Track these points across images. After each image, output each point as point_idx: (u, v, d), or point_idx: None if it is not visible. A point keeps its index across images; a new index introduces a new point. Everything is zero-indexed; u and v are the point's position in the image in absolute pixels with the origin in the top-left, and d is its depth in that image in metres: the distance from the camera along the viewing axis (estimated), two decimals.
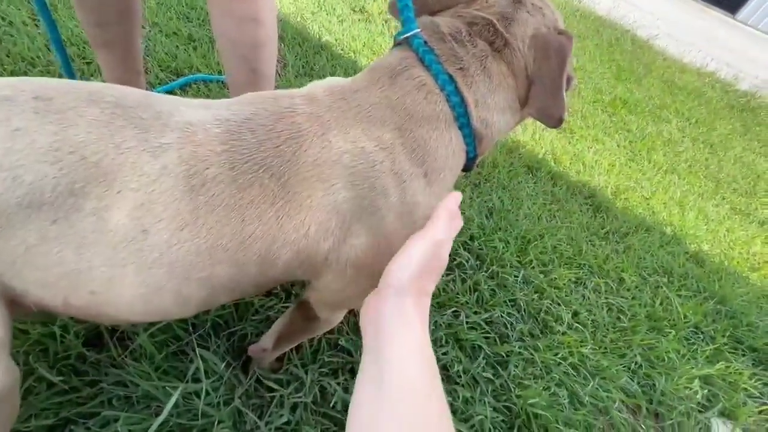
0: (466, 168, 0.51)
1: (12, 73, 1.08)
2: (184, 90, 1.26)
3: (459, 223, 0.46)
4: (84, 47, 1.22)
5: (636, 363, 1.01)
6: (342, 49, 1.84)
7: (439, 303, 0.93)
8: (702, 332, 1.18)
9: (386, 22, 2.25)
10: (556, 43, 0.47)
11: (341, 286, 0.47)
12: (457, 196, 0.45)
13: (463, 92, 0.45)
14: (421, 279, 0.39)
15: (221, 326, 0.73)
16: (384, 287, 0.39)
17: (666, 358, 1.04)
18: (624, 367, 0.99)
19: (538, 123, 1.94)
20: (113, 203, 0.34)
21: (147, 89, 1.06)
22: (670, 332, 1.11)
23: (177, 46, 1.41)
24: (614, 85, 2.78)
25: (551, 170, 1.63)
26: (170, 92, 1.23)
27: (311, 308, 0.56)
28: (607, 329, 1.07)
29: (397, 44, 0.49)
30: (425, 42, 0.46)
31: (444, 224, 0.42)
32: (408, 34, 0.47)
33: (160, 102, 0.39)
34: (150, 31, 1.44)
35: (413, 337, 0.36)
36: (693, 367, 1.05)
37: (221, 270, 0.39)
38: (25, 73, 1.09)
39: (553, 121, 0.48)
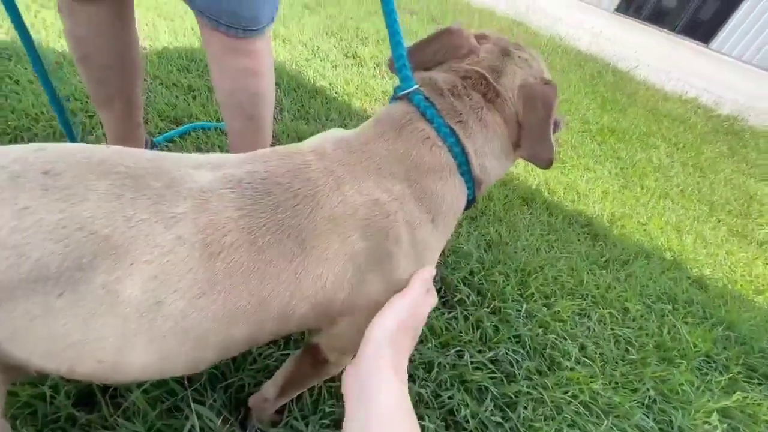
0: (466, 208, 0.54)
1: (16, 129, 1.11)
2: (183, 138, 1.29)
3: (433, 299, 0.49)
4: (87, 101, 1.27)
5: (649, 398, 0.97)
6: (336, 93, 1.92)
7: (442, 343, 0.91)
8: (714, 361, 1.15)
9: (377, 65, 2.36)
10: (542, 93, 0.50)
11: (354, 330, 0.48)
12: (430, 270, 0.48)
13: (464, 143, 0.48)
14: (401, 338, 0.42)
15: (218, 378, 0.70)
16: (365, 342, 0.41)
17: (680, 391, 1.00)
18: (637, 402, 0.95)
19: None
20: (125, 276, 0.34)
21: (147, 139, 1.10)
22: (681, 363, 1.08)
23: (177, 96, 1.47)
24: (600, 115, 2.88)
25: (546, 200, 1.65)
26: (170, 140, 1.27)
27: (320, 352, 0.55)
28: (617, 362, 1.04)
29: (397, 98, 0.52)
30: (426, 98, 0.49)
31: (420, 288, 0.45)
32: (408, 91, 0.50)
33: (171, 167, 0.39)
34: (151, 83, 1.50)
35: (392, 395, 0.38)
36: (709, 400, 1.01)
37: (238, 331, 0.39)
38: (29, 129, 1.12)
39: (544, 163, 0.51)
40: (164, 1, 2.12)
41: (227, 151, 1.09)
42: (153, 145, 1.14)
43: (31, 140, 1.10)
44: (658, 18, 12.75)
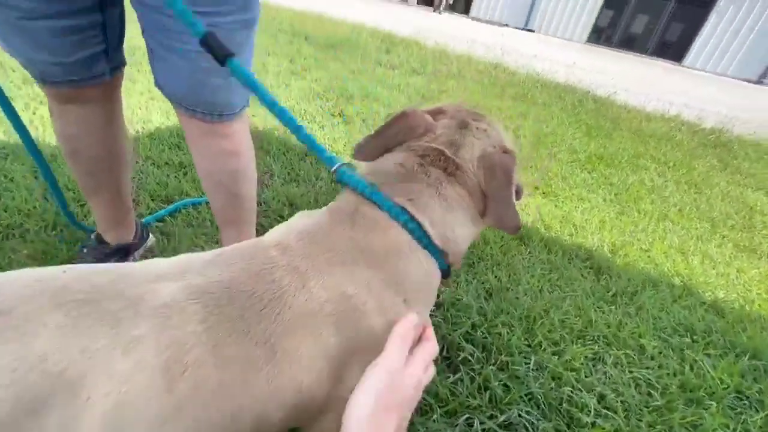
0: (444, 276, 0.54)
1: (9, 226, 1.13)
2: (173, 216, 1.31)
3: (425, 353, 0.46)
4: (79, 192, 1.30)
5: None
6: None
7: (449, 411, 0.85)
8: (746, 397, 1.07)
9: (364, 121, 2.45)
10: (500, 162, 0.52)
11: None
12: (410, 319, 0.46)
13: (417, 218, 0.49)
14: (380, 416, 0.37)
15: None
16: (344, 427, 0.37)
17: None
18: None
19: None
20: (81, 413, 0.32)
21: (136, 223, 1.11)
22: (711, 404, 1.00)
23: (168, 175, 1.51)
24: (587, 142, 2.93)
25: (543, 237, 1.63)
26: (160, 220, 1.28)
27: None
28: (641, 410, 0.97)
29: (344, 185, 0.53)
30: (371, 183, 0.50)
31: (397, 351, 0.42)
32: (350, 181, 0.51)
33: (130, 285, 0.38)
34: (143, 164, 1.55)
35: None
36: None
37: None
38: (21, 225, 1.14)
39: (510, 229, 0.51)
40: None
41: (216, 228, 1.10)
42: (144, 229, 1.16)
43: (22, 236, 1.11)
44: (629, 43, 13.44)
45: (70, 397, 0.31)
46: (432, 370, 0.48)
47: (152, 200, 1.38)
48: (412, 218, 0.48)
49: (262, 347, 0.39)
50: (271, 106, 0.52)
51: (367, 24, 5.94)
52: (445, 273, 0.53)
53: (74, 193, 1.31)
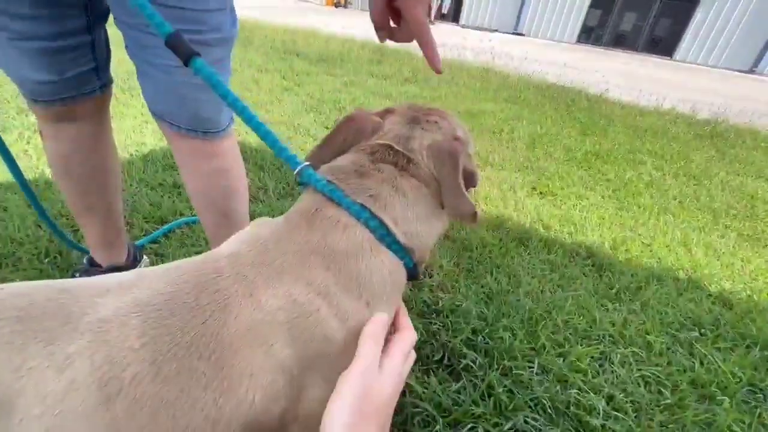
0: (412, 277, 0.51)
1: (1, 256, 1.13)
2: (167, 237, 1.30)
3: (408, 334, 0.45)
4: (71, 218, 1.30)
5: None
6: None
7: (452, 421, 0.83)
8: (760, 390, 1.03)
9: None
10: (447, 148, 0.49)
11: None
12: (379, 319, 0.44)
13: (378, 215, 0.46)
14: (358, 426, 0.35)
15: None
16: None
17: None
18: None
19: (518, 193, 1.99)
20: None
21: (128, 245, 1.10)
22: (724, 399, 0.97)
23: (161, 196, 1.50)
24: (582, 140, 2.93)
25: (543, 237, 1.61)
26: (154, 241, 1.27)
27: None
28: (652, 410, 0.94)
29: (304, 187, 0.51)
30: (329, 181, 0.48)
31: (369, 353, 0.40)
32: (311, 179, 0.49)
33: (71, 300, 0.36)
34: (136, 187, 1.55)
35: None
36: None
37: None
38: (14, 253, 1.14)
39: (467, 218, 0.48)
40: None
41: (210, 246, 1.09)
42: (137, 251, 1.15)
43: (15, 265, 1.10)
44: (618, 42, 13.56)
45: (3, 418, 0.30)
46: (413, 357, 0.46)
47: (146, 222, 1.37)
48: (374, 216, 0.46)
49: (206, 362, 0.36)
50: (233, 104, 0.51)
51: (357, 38, 6.02)
52: (412, 271, 0.50)
53: (67, 219, 1.31)
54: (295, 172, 0.50)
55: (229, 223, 0.94)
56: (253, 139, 2.14)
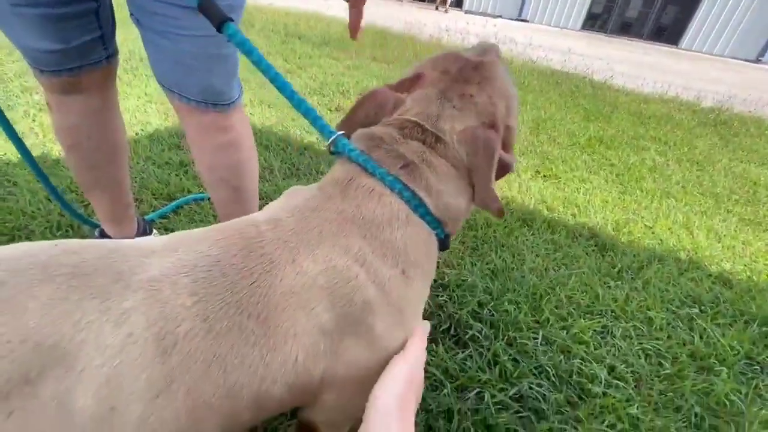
0: (444, 247, 0.52)
1: (14, 228, 1.14)
2: (176, 213, 1.32)
3: (426, 325, 0.50)
4: (82, 192, 1.31)
5: (696, 415, 0.89)
6: (324, 147, 1.97)
7: (459, 386, 0.85)
8: (757, 363, 1.06)
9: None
10: (483, 139, 0.47)
11: (345, 401, 0.46)
12: (427, 325, 0.49)
13: (411, 186, 0.47)
14: (407, 403, 0.40)
15: None
16: (370, 412, 0.38)
17: (727, 403, 0.92)
18: (683, 422, 0.87)
19: (522, 176, 2.00)
20: (75, 384, 0.32)
21: (137, 219, 1.11)
22: (722, 370, 1.00)
23: (169, 174, 1.51)
24: (586, 126, 2.92)
25: (546, 219, 1.63)
26: (163, 216, 1.29)
27: (313, 428, 0.52)
28: (652, 380, 0.97)
29: (338, 157, 0.51)
30: (362, 151, 0.48)
31: (420, 347, 0.45)
32: (345, 149, 0.49)
33: (121, 259, 0.37)
34: (144, 164, 1.55)
35: None
36: (762, 408, 0.93)
37: (209, 425, 0.37)
38: (27, 227, 1.15)
39: (492, 212, 0.48)
40: (153, 87, 2.25)
41: (218, 221, 1.11)
42: (146, 225, 1.16)
43: (28, 238, 1.12)
44: (624, 29, 13.36)
45: (63, 369, 0.31)
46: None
47: (155, 198, 1.38)
48: (407, 187, 0.46)
49: (255, 321, 0.38)
50: (267, 71, 0.51)
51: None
52: (444, 242, 0.51)
53: (76, 194, 1.32)
54: (329, 142, 0.50)
55: (239, 198, 0.94)
56: (257, 119, 2.13)
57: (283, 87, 0.52)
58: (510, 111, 0.53)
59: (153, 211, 1.31)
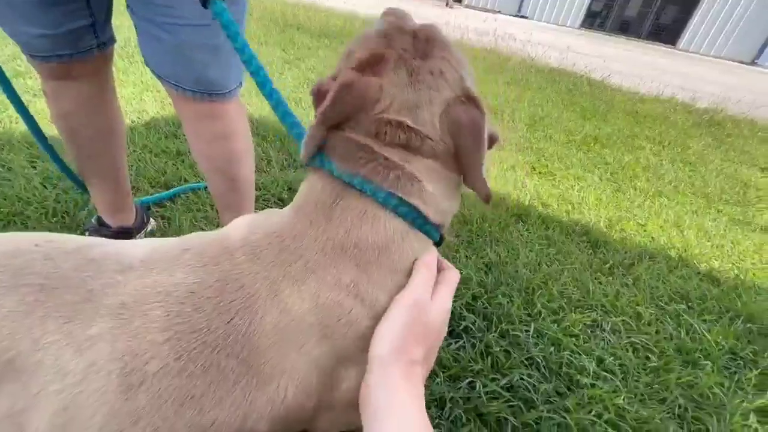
0: (439, 245, 0.49)
1: (9, 214, 1.14)
2: (173, 201, 1.32)
3: (451, 279, 0.44)
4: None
5: (680, 406, 0.92)
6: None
7: (452, 375, 0.87)
8: (740, 357, 1.10)
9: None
10: (467, 121, 0.40)
11: (344, 419, 0.45)
12: (432, 256, 0.43)
13: (408, 200, 0.41)
14: (407, 347, 0.37)
15: None
16: (369, 361, 0.37)
17: (710, 395, 0.95)
18: (668, 413, 0.90)
19: (518, 172, 2.01)
20: (30, 406, 0.30)
21: (136, 208, 1.12)
22: (706, 364, 1.03)
23: (166, 162, 1.51)
24: (582, 124, 2.94)
25: (541, 215, 1.65)
26: (159, 204, 1.29)
27: None
28: (638, 372, 0.99)
29: (311, 170, 0.44)
30: (346, 168, 0.41)
31: (422, 281, 0.40)
32: (321, 164, 0.42)
33: (96, 273, 0.35)
34: (140, 153, 1.55)
35: (403, 414, 0.34)
36: (743, 400, 0.96)
37: None
38: (21, 212, 1.15)
39: (482, 198, 0.43)
40: (149, 76, 2.23)
41: (216, 211, 1.11)
42: (144, 213, 1.16)
43: (23, 223, 1.12)
44: (623, 28, 13.39)
45: (19, 387, 0.30)
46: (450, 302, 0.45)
47: (152, 187, 1.38)
48: (403, 201, 0.41)
49: (235, 360, 0.36)
50: (248, 62, 0.50)
51: (359, 13, 5.90)
52: (438, 243, 0.48)
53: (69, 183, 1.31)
54: (303, 155, 0.43)
55: (236, 187, 0.95)
56: (254, 109, 2.12)
57: (263, 83, 0.51)
58: (471, 78, 0.46)
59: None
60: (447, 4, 12.80)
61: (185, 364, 0.34)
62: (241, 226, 0.44)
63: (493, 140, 0.45)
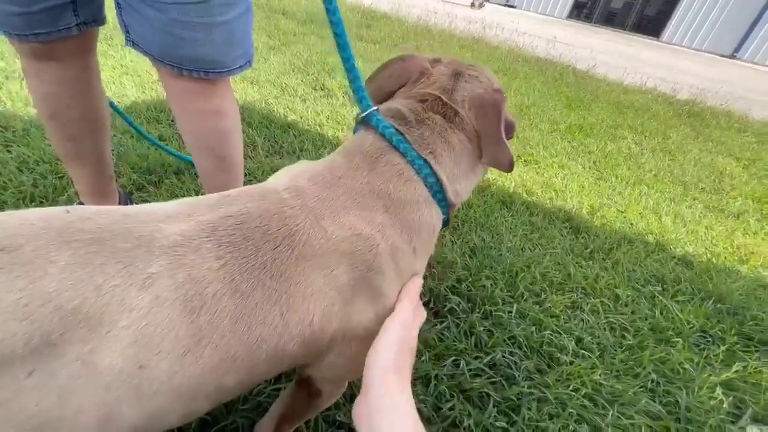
0: (444, 226, 0.56)
1: None
2: (157, 186, 1.30)
3: (423, 314, 0.51)
4: (56, 163, 1.27)
5: (652, 380, 0.97)
6: (308, 125, 1.96)
7: (437, 354, 0.90)
8: (710, 335, 1.15)
9: (346, 93, 2.43)
10: (490, 99, 0.52)
11: (345, 360, 0.48)
12: (417, 283, 0.50)
13: (437, 173, 0.50)
14: (400, 359, 0.42)
15: (208, 423, 0.68)
16: (369, 369, 0.41)
17: (681, 370, 1.00)
18: (641, 387, 0.94)
19: None
20: (101, 345, 0.32)
21: (120, 192, 1.10)
22: (678, 341, 1.08)
23: (148, 148, 1.48)
24: (567, 114, 2.98)
25: (525, 201, 1.68)
26: (143, 190, 1.27)
27: (313, 385, 0.55)
28: (615, 350, 1.04)
29: (364, 127, 0.53)
30: (396, 130, 0.50)
31: (410, 307, 0.47)
32: (368, 114, 0.51)
33: (139, 225, 0.38)
34: (121, 138, 1.51)
35: (400, 414, 0.39)
36: (711, 374, 1.01)
37: (230, 379, 0.38)
38: None
39: (505, 166, 0.52)
40: (129, 59, 2.16)
41: (202, 194, 1.10)
42: (128, 199, 1.14)
43: (1, 208, 1.09)
44: (608, 20, 13.50)
45: (86, 331, 0.32)
46: (424, 313, 0.52)
47: (134, 172, 1.36)
48: (433, 173, 0.49)
49: (277, 281, 0.40)
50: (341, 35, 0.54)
51: (346, 0, 5.79)
52: (445, 223, 0.55)
53: (51, 165, 1.28)
54: (361, 116, 0.52)
55: (224, 166, 0.93)
56: (239, 95, 2.09)
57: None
58: (499, 85, 0.59)
59: (132, 185, 1.29)
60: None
61: (238, 285, 0.38)
62: (277, 176, 0.50)
63: (511, 127, 0.54)
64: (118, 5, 0.72)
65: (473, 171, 0.55)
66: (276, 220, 0.42)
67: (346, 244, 0.43)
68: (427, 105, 0.52)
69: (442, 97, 0.52)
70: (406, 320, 0.45)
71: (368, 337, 0.46)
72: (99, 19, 0.81)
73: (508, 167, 0.52)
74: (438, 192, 0.50)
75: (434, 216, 0.51)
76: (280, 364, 0.42)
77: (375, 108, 0.52)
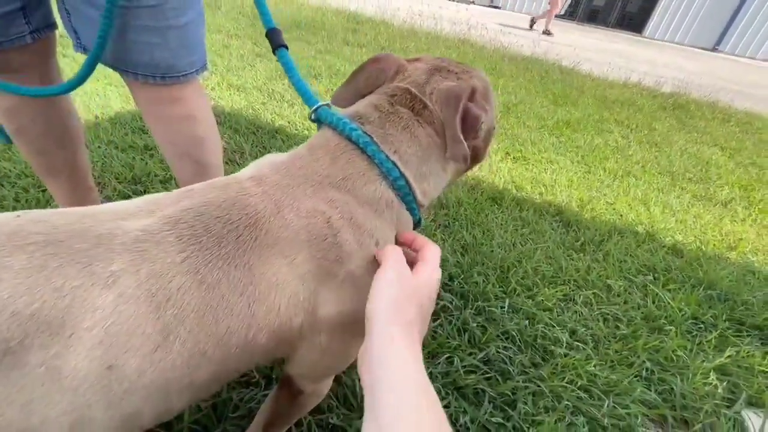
0: (416, 226, 0.54)
1: None
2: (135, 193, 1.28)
3: (434, 250, 0.47)
4: (38, 177, 1.24)
5: (647, 369, 0.97)
6: (296, 129, 1.95)
7: (431, 352, 0.89)
8: (702, 322, 1.16)
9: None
10: (454, 91, 0.49)
11: (318, 354, 0.47)
12: (408, 236, 0.48)
13: (405, 174, 0.48)
14: (400, 308, 0.39)
15: None
16: (369, 325, 0.39)
17: (674, 358, 1.00)
18: (635, 376, 0.95)
19: (493, 158, 2.04)
20: (65, 349, 0.31)
21: (102, 202, 1.08)
22: (671, 329, 1.09)
23: (133, 158, 1.46)
24: (554, 110, 3.01)
25: (515, 197, 1.68)
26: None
27: (294, 383, 0.54)
28: (609, 341, 1.04)
29: (326, 127, 0.51)
30: (364, 131, 0.48)
31: (394, 255, 0.43)
32: (330, 119, 0.49)
33: (96, 224, 0.36)
34: (106, 148, 1.49)
35: (402, 363, 0.36)
36: (704, 360, 1.01)
37: (202, 373, 0.38)
38: None
39: (459, 159, 0.49)
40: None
41: None
42: None
43: None
44: (591, 17, 13.70)
45: (48, 336, 0.31)
46: (439, 271, 0.47)
47: (119, 183, 1.34)
48: (402, 175, 0.48)
49: (242, 271, 0.39)
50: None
51: (331, 4, 5.81)
52: (417, 223, 0.53)
53: (33, 179, 1.26)
54: (312, 112, 0.52)
55: (204, 171, 0.91)
56: (225, 102, 2.08)
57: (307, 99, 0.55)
58: (487, 94, 0.56)
59: (117, 194, 1.27)
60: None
61: (203, 278, 0.37)
62: (246, 168, 0.49)
63: (476, 119, 0.51)
64: (66, 12, 0.70)
65: (442, 168, 0.53)
66: (237, 209, 0.41)
67: (305, 233, 0.43)
68: (395, 99, 0.51)
69: (412, 89, 0.51)
70: (397, 272, 0.41)
71: (335, 329, 0.45)
72: (51, 24, 0.77)
73: (463, 161, 0.49)
74: (407, 194, 0.49)
75: (401, 215, 0.49)
76: (252, 357, 0.42)
77: (325, 104, 0.53)
